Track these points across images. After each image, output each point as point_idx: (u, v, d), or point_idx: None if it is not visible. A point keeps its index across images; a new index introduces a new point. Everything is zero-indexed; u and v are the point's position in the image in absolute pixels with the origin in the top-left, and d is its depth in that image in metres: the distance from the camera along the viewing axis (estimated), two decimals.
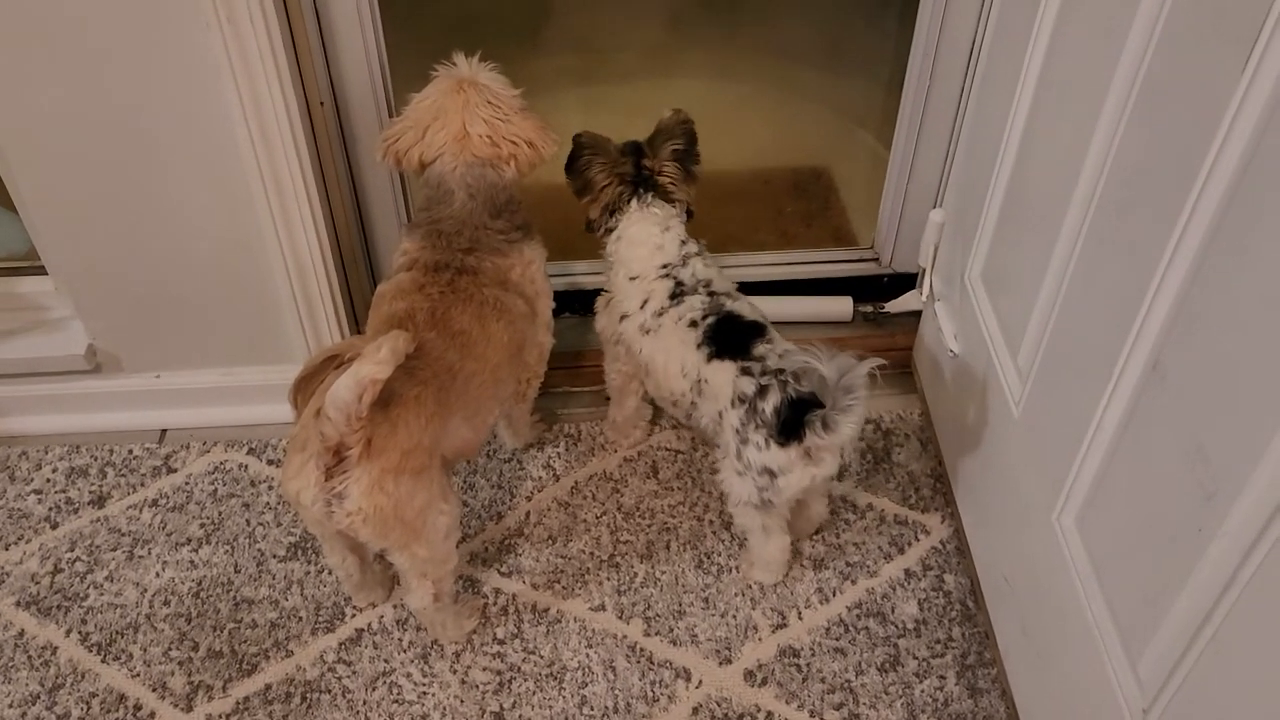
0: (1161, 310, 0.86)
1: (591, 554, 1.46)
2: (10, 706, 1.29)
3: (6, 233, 1.57)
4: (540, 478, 1.56)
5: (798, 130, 2.35)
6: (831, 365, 1.15)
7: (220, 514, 1.51)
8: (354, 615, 1.39)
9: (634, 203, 1.35)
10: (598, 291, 1.68)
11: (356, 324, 1.64)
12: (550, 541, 1.48)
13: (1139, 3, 0.90)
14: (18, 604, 1.39)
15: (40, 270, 1.56)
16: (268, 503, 1.53)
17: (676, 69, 2.35)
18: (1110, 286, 0.96)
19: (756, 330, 1.30)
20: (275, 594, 1.41)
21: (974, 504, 1.39)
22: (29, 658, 1.34)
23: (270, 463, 1.58)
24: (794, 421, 1.20)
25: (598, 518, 1.50)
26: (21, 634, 1.36)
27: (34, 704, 1.29)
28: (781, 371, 1.23)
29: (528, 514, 1.51)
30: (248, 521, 1.50)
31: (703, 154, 1.41)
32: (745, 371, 1.25)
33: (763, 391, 1.23)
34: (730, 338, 1.29)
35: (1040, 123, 1.15)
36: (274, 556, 1.46)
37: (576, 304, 1.74)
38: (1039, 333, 1.13)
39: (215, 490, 1.54)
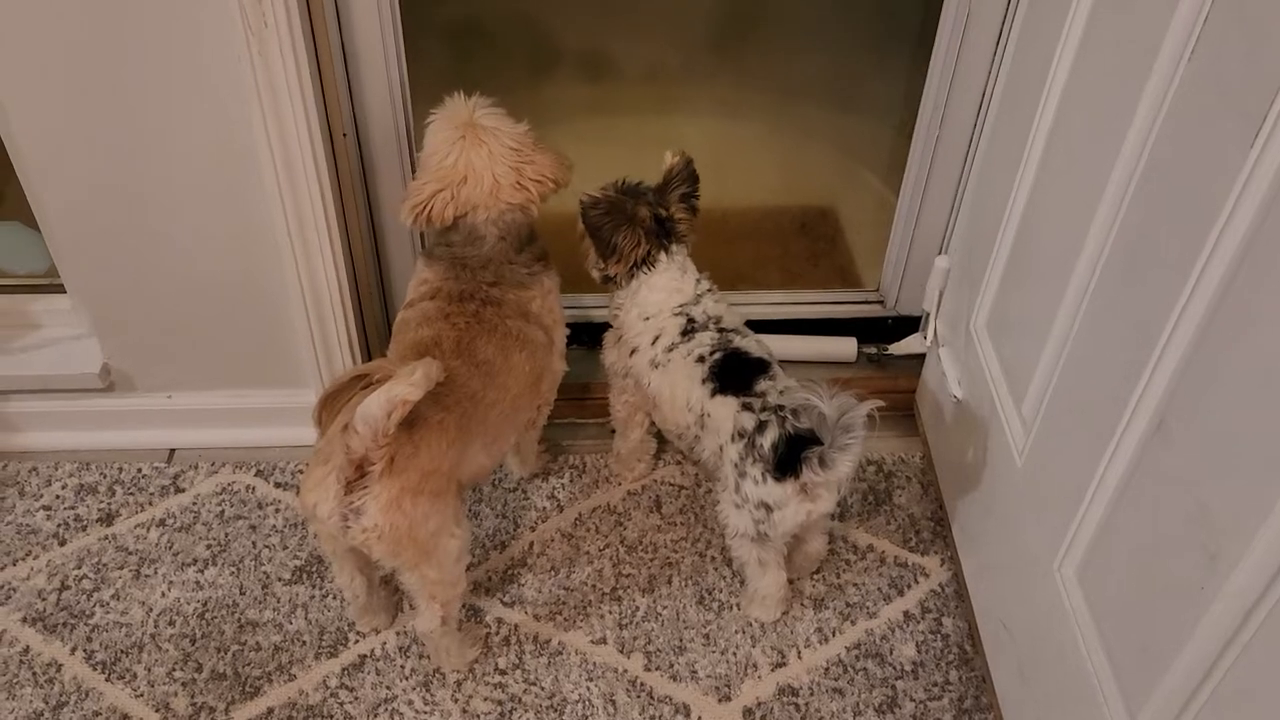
0: (1167, 370, 0.88)
1: (594, 586, 1.47)
2: None
3: (29, 251, 1.59)
4: (544, 508, 1.58)
5: (805, 170, 2.38)
6: (831, 404, 1.17)
7: (227, 535, 1.52)
8: (357, 640, 1.40)
9: (662, 256, 1.37)
10: (606, 325, 1.70)
11: (368, 351, 1.66)
12: (553, 572, 1.49)
13: (1150, 72, 0.93)
14: (24, 620, 1.40)
15: (59, 289, 1.57)
16: (274, 525, 1.54)
17: (683, 104, 2.38)
18: (1116, 344, 0.98)
19: (760, 367, 1.33)
20: (280, 617, 1.42)
21: (974, 549, 1.41)
22: (33, 674, 1.35)
23: (278, 485, 1.60)
24: (791, 457, 1.22)
25: (600, 550, 1.52)
26: (26, 650, 1.37)
27: None
28: (781, 408, 1.26)
29: (531, 544, 1.53)
30: (254, 544, 1.51)
31: (710, 192, 1.43)
32: (746, 407, 1.28)
33: (762, 427, 1.25)
34: (734, 374, 1.32)
35: (1049, 179, 1.18)
36: (279, 579, 1.47)
37: (585, 336, 1.76)
38: (1044, 384, 1.15)
39: (222, 511, 1.55)
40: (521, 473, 1.61)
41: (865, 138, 2.39)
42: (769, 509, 1.26)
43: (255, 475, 1.61)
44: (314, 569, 1.48)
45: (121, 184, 1.40)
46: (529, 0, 1.85)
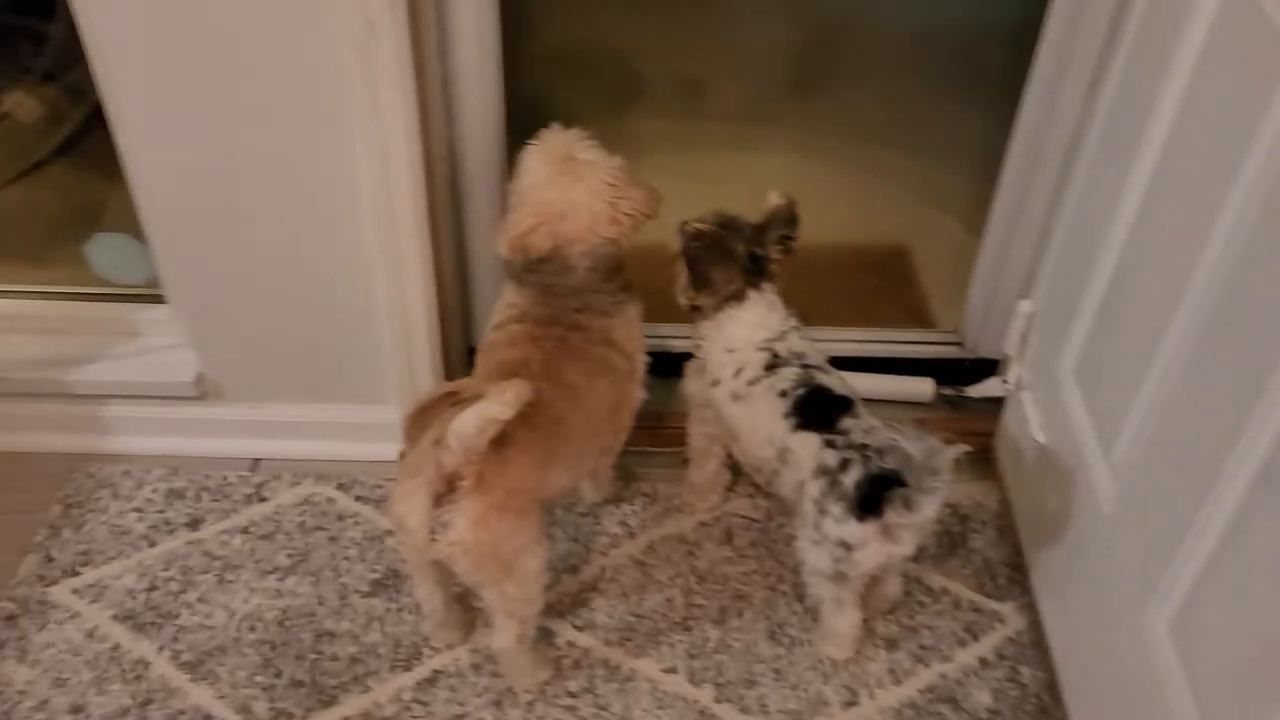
0: (1275, 420, 0.87)
1: (664, 615, 1.48)
2: (103, 717, 1.33)
3: (133, 262, 1.66)
4: (616, 534, 1.59)
5: (876, 210, 2.38)
6: (918, 445, 1.17)
7: (307, 545, 1.56)
8: (431, 656, 1.42)
9: (752, 293, 1.38)
10: (684, 355, 1.71)
11: (448, 371, 1.69)
12: (624, 598, 1.50)
13: (1265, 112, 0.92)
14: (114, 617, 1.45)
15: (159, 299, 1.63)
16: (353, 538, 1.57)
17: (759, 142, 2.40)
18: (1219, 392, 0.97)
19: (844, 404, 1.33)
20: (356, 629, 1.45)
21: (1054, 598, 1.39)
22: (122, 671, 1.39)
23: (358, 499, 1.63)
24: (874, 497, 1.22)
25: (671, 579, 1.53)
26: (116, 647, 1.41)
27: (125, 716, 1.34)
28: (866, 446, 1.26)
29: (603, 569, 1.54)
30: (333, 555, 1.54)
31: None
32: (829, 444, 1.28)
33: (845, 465, 1.26)
34: (817, 410, 1.32)
35: (1149, 225, 1.17)
36: (357, 591, 1.49)
37: (662, 366, 1.77)
38: (1136, 432, 1.14)
39: (303, 522, 1.59)
40: (594, 497, 1.62)
41: (940, 180, 2.39)
42: (849, 548, 1.26)
43: (336, 488, 1.64)
44: (391, 583, 1.51)
45: (225, 200, 1.45)
46: (621, 33, 1.89)
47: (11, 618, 1.44)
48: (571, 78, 1.94)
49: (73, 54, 2.18)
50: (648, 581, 1.52)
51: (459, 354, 1.74)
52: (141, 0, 1.27)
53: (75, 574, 1.50)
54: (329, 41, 1.29)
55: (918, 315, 2.03)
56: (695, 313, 1.44)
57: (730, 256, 1.37)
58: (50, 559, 1.52)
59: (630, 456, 1.66)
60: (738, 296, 1.38)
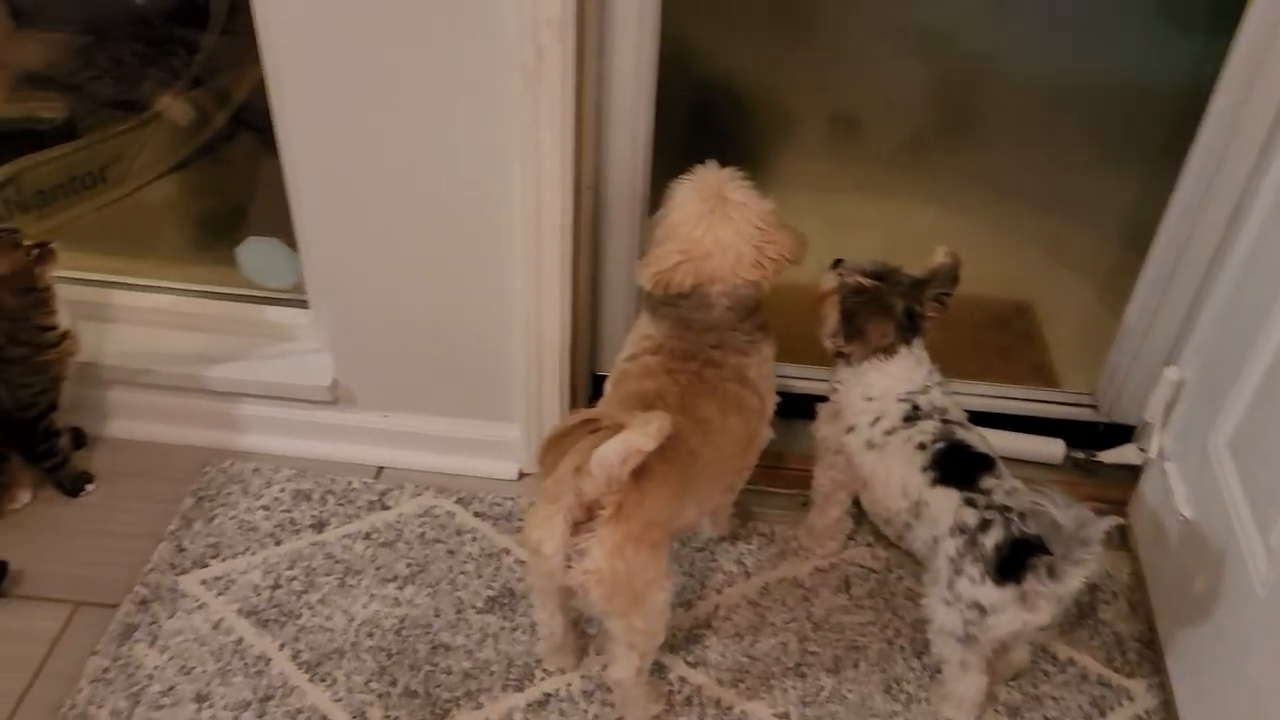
0: None
1: (778, 659, 1.46)
2: (225, 709, 1.36)
3: (281, 266, 1.71)
4: (731, 572, 1.58)
5: (1006, 265, 2.34)
6: (1068, 514, 1.14)
7: (426, 557, 1.58)
8: (543, 679, 1.42)
9: (903, 348, 1.37)
10: (808, 396, 1.70)
11: (574, 396, 1.70)
12: (737, 638, 1.48)
13: None
14: (239, 611, 1.48)
15: (302, 303, 1.68)
16: (470, 553, 1.59)
17: (896, 187, 2.38)
18: None
19: (985, 463, 1.31)
20: (471, 644, 1.46)
21: (1191, 680, 1.33)
22: (245, 664, 1.42)
23: (477, 514, 1.65)
24: (1014, 561, 1.20)
25: (786, 623, 1.51)
26: (240, 641, 1.45)
27: (245, 710, 1.37)
28: (1008, 509, 1.23)
29: (716, 606, 1.53)
30: (450, 568, 1.56)
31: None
32: (969, 502, 1.26)
33: (985, 525, 1.23)
34: (957, 466, 1.30)
35: None
36: (472, 607, 1.51)
37: (783, 406, 1.76)
38: None
39: (423, 533, 1.61)
40: (712, 533, 1.61)
41: (1076, 241, 2.34)
42: (983, 611, 1.22)
43: (456, 502, 1.67)
44: (506, 601, 1.52)
45: (378, 214, 1.49)
46: (772, 69, 1.90)
47: (144, 602, 1.49)
48: (718, 111, 1.95)
49: (219, 61, 2.29)
50: (762, 623, 1.50)
51: (584, 379, 1.75)
52: (319, 22, 1.32)
53: (204, 565, 1.54)
54: (497, 66, 1.32)
55: (1043, 374, 1.99)
56: (837, 358, 1.43)
57: (887, 311, 1.36)
58: (181, 549, 1.57)
59: (748, 494, 1.65)
60: (889, 350, 1.36)
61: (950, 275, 1.38)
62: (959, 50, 2.00)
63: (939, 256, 1.38)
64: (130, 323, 1.74)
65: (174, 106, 2.32)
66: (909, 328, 1.38)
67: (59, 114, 2.18)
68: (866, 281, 1.38)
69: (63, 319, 1.54)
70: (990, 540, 1.21)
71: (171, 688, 1.39)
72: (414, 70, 1.34)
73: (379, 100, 1.38)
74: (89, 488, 1.65)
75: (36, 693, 1.38)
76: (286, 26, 1.34)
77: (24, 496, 1.62)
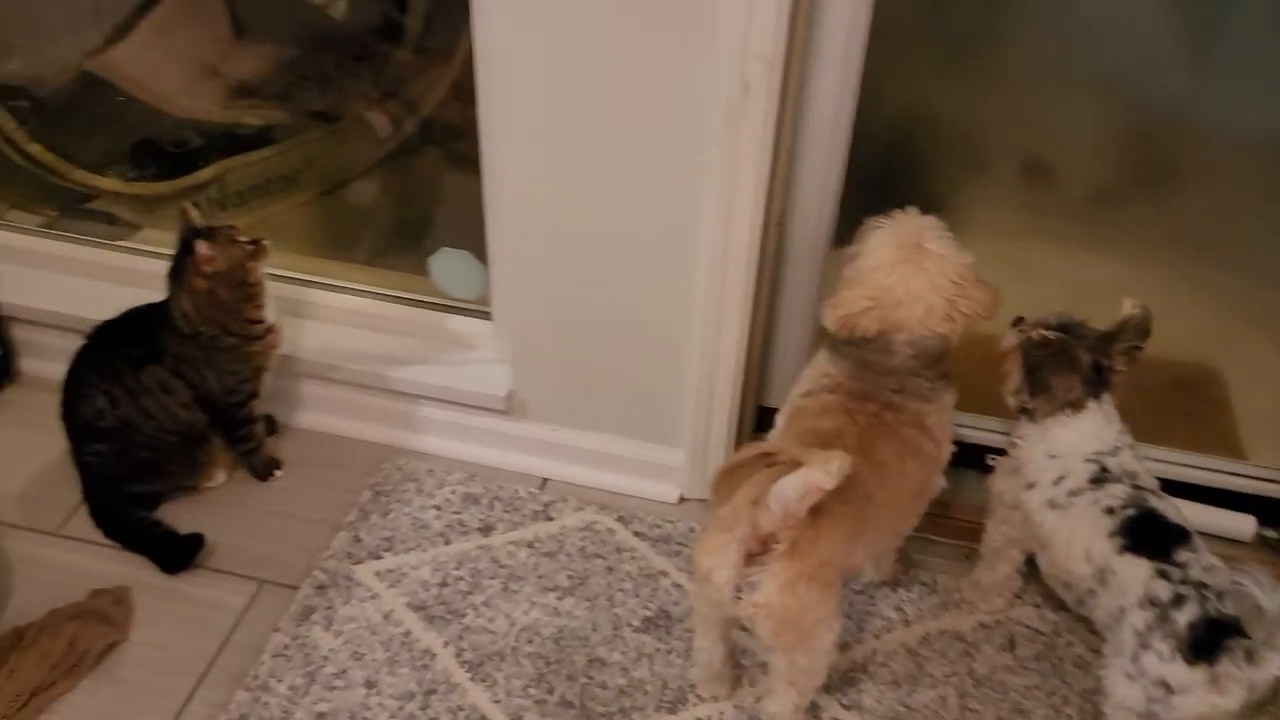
0: None
1: (936, 713, 1.43)
2: (391, 697, 1.42)
3: (469, 277, 1.78)
4: (890, 618, 1.55)
5: (1192, 324, 2.23)
6: (1274, 598, 1.08)
7: (585, 571, 1.61)
8: (696, 704, 1.43)
9: (1091, 403, 1.33)
10: (979, 447, 1.66)
11: (741, 426, 1.71)
12: (894, 686, 1.46)
13: None
14: (409, 605, 1.54)
15: (486, 315, 1.75)
16: (629, 572, 1.61)
17: (1081, 238, 2.31)
18: None
19: (1180, 535, 1.25)
20: (626, 661, 1.48)
21: None
22: (411, 657, 1.48)
23: (636, 534, 1.67)
24: (1209, 642, 1.14)
25: (946, 676, 1.47)
26: (408, 633, 1.51)
27: (410, 700, 1.42)
28: (1205, 586, 1.18)
29: (874, 651, 1.50)
30: (609, 585, 1.59)
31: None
32: (1162, 574, 1.21)
33: (1179, 600, 1.18)
34: (1149, 535, 1.25)
35: None
36: (629, 625, 1.53)
37: (954, 456, 1.72)
38: None
39: (584, 547, 1.65)
40: (874, 577, 1.59)
41: (1272, 305, 2.22)
42: (1169, 690, 1.17)
43: (616, 520, 1.69)
44: (662, 623, 1.53)
45: (569, 234, 1.54)
46: (968, 112, 1.88)
47: (322, 587, 1.57)
48: (907, 150, 1.94)
49: (410, 76, 2.41)
50: (920, 674, 1.47)
51: (751, 410, 1.76)
52: (531, 45, 1.38)
53: (378, 557, 1.62)
54: (702, 98, 1.35)
55: (1229, 443, 1.89)
56: (1021, 414, 1.39)
57: (1073, 364, 1.32)
58: (358, 539, 1.64)
59: (912, 542, 1.62)
60: (1076, 405, 1.32)
61: (1140, 328, 1.33)
62: (1155, 97, 1.93)
63: (1127, 308, 1.33)
64: (325, 321, 1.84)
65: (370, 117, 2.45)
66: (1097, 382, 1.34)
67: (262, 120, 2.33)
68: (1050, 334, 1.34)
69: (269, 313, 1.64)
70: (1184, 617, 1.16)
71: (344, 671, 1.46)
72: (619, 96, 1.38)
73: (581, 123, 1.42)
74: (278, 473, 1.75)
75: (224, 660, 1.47)
76: (500, 48, 1.40)
77: (220, 476, 1.73)
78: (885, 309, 1.30)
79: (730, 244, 1.45)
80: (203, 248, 1.51)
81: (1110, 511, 1.27)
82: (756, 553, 1.17)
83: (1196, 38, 1.83)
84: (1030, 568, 1.50)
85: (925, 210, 1.36)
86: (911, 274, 1.29)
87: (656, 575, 1.60)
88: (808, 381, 1.42)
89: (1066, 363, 1.32)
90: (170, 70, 2.33)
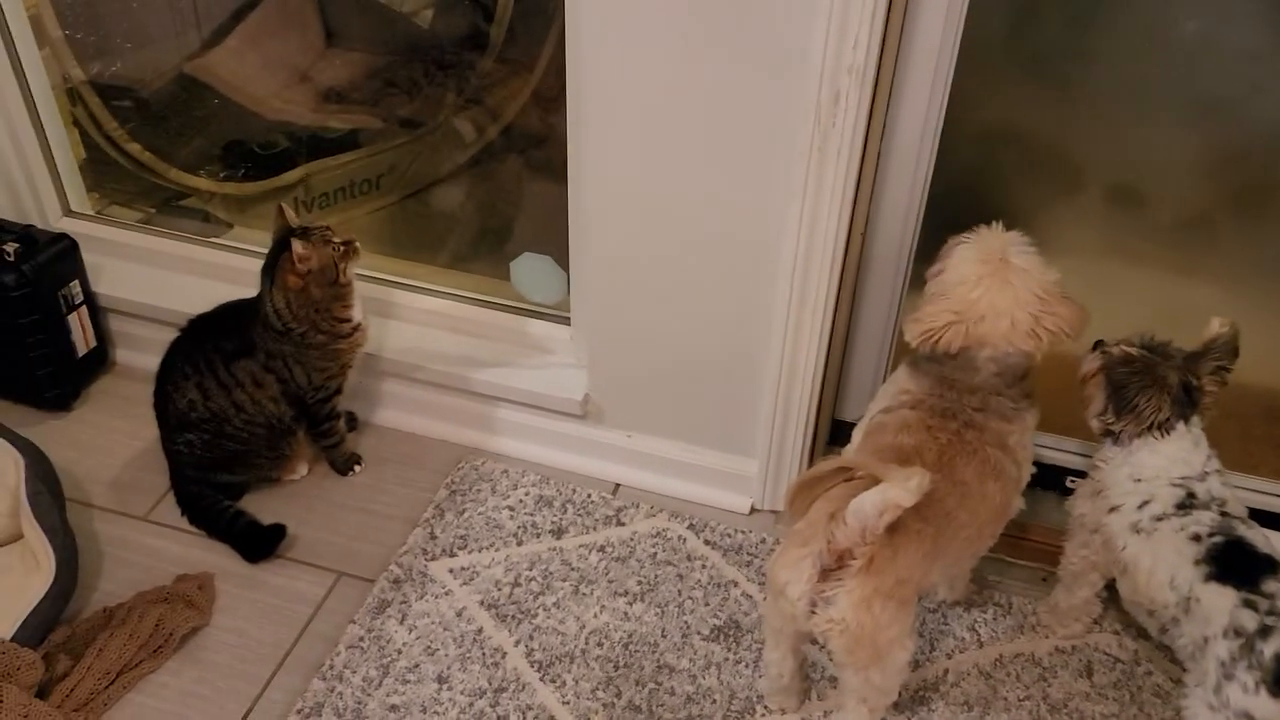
0: None
1: None
2: (462, 693, 1.44)
3: (549, 283, 1.80)
4: (964, 639, 1.53)
5: None
6: None
7: (656, 577, 1.62)
8: (764, 715, 1.43)
9: (1180, 425, 1.30)
10: (1057, 468, 1.63)
11: (816, 439, 1.71)
12: (966, 708, 1.44)
13: None
14: (481, 603, 1.57)
15: (565, 320, 1.77)
16: (699, 580, 1.61)
17: (1166, 261, 2.26)
18: None
19: (1269, 564, 1.22)
20: (694, 669, 1.48)
21: None
22: (483, 654, 1.50)
23: (707, 543, 1.67)
24: None
25: (1020, 700, 1.45)
26: (480, 631, 1.53)
27: (480, 698, 1.44)
28: None
29: (945, 671, 1.49)
30: (679, 592, 1.59)
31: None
32: (1248, 604, 1.18)
33: (1265, 631, 1.15)
34: (1237, 564, 1.22)
35: None
36: (698, 633, 1.53)
37: (1032, 477, 1.70)
38: None
39: (655, 554, 1.65)
40: (948, 597, 1.57)
41: None
42: None
43: (687, 528, 1.70)
44: (731, 633, 1.53)
45: (651, 240, 1.55)
46: (1060, 131, 1.85)
47: (397, 582, 1.60)
48: (995, 167, 1.92)
49: (493, 84, 2.44)
50: (993, 697, 1.45)
51: (826, 423, 1.75)
52: (627, 55, 1.40)
53: (453, 555, 1.64)
54: (792, 107, 1.35)
55: None
56: (1105, 436, 1.37)
57: (1161, 384, 1.29)
58: (434, 536, 1.67)
59: (987, 562, 1.60)
60: (1164, 427, 1.29)
61: (1228, 347, 1.30)
62: (1252, 119, 1.88)
63: (1214, 327, 1.31)
64: (407, 321, 1.88)
65: (454, 123, 2.50)
66: (1186, 403, 1.31)
67: (349, 125, 2.39)
68: (1135, 351, 1.31)
69: (356, 312, 1.68)
70: (1270, 649, 1.13)
71: (416, 665, 1.48)
72: (709, 104, 1.39)
73: (670, 131, 1.43)
74: (357, 468, 1.79)
75: (301, 649, 1.50)
76: (590, 56, 1.42)
77: (302, 469, 1.77)
78: (969, 323, 1.28)
79: (812, 254, 1.45)
80: (298, 246, 1.55)
81: (1196, 538, 1.24)
82: (832, 568, 1.16)
83: None
84: (1110, 594, 1.47)
85: (1012, 223, 1.35)
86: (996, 288, 1.28)
87: (727, 585, 1.61)
88: (887, 397, 1.41)
89: (1153, 382, 1.30)
90: (263, 75, 2.40)
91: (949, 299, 1.30)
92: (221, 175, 2.26)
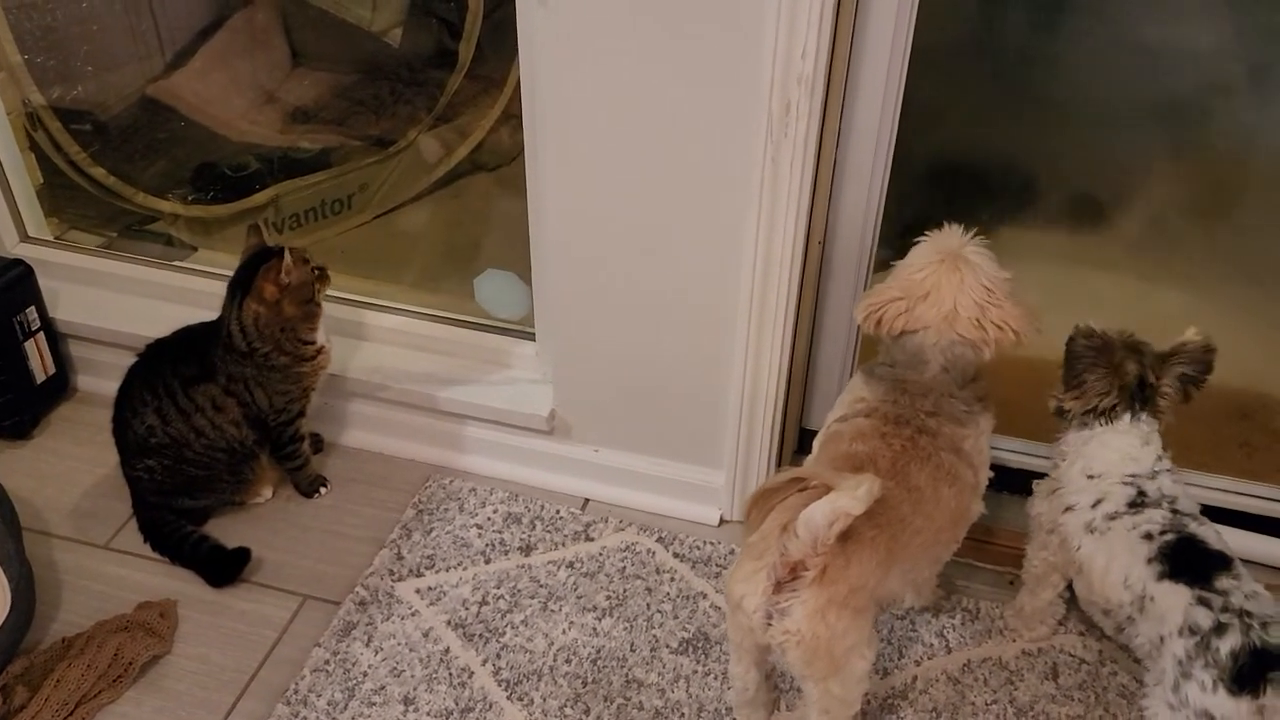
0: None
1: None
2: (428, 714, 1.44)
3: (512, 298, 1.81)
4: (932, 645, 1.53)
5: (1253, 354, 2.19)
6: None
7: (625, 591, 1.61)
8: None
9: (1127, 416, 1.31)
10: (1023, 472, 1.64)
11: (782, 449, 1.71)
12: (934, 714, 1.44)
13: None
14: (448, 623, 1.56)
15: (529, 335, 1.77)
16: (668, 593, 1.61)
17: (1134, 267, 2.27)
18: None
19: (1221, 561, 1.23)
20: (663, 683, 1.48)
21: None
22: (450, 674, 1.49)
23: (676, 555, 1.67)
24: (1252, 672, 1.12)
25: (987, 704, 1.45)
26: (447, 651, 1.52)
27: (447, 718, 1.43)
28: (1248, 614, 1.15)
29: (914, 678, 1.49)
30: (648, 605, 1.59)
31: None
32: (1202, 601, 1.18)
33: (1220, 629, 1.15)
34: (1190, 561, 1.23)
35: None
36: (667, 646, 1.53)
37: (997, 481, 1.70)
38: None
39: (624, 568, 1.65)
40: (914, 603, 1.57)
41: None
42: None
43: (656, 541, 1.70)
44: (700, 645, 1.53)
45: (611, 255, 1.55)
46: (1017, 139, 1.87)
47: (363, 603, 1.59)
48: (953, 177, 1.93)
49: (461, 102, 2.44)
50: (961, 702, 1.45)
51: (793, 433, 1.76)
52: (581, 71, 1.40)
53: (420, 575, 1.64)
54: (743, 118, 1.36)
55: None
56: (1059, 417, 1.37)
57: (1116, 369, 1.30)
58: (400, 557, 1.66)
59: (954, 567, 1.61)
60: (1107, 414, 1.30)
61: (1197, 357, 1.31)
62: (1212, 125, 1.91)
63: (1189, 335, 1.31)
64: (371, 340, 1.88)
65: (423, 142, 2.50)
66: (1138, 397, 1.31)
67: (318, 145, 2.38)
68: (1100, 329, 1.32)
69: (320, 335, 1.67)
70: (1226, 646, 1.14)
71: (382, 687, 1.47)
72: (662, 118, 1.40)
73: (624, 145, 1.44)
74: (323, 490, 1.78)
75: (265, 674, 1.49)
76: (545, 74, 1.42)
77: (266, 492, 1.76)
78: (912, 301, 1.30)
79: (770, 264, 1.46)
80: (288, 256, 1.55)
81: (1149, 537, 1.25)
82: (786, 580, 1.16)
83: (1257, 64, 1.81)
84: (1073, 595, 1.47)
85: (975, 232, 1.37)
86: (944, 274, 1.30)
87: (696, 597, 1.60)
88: (843, 406, 1.41)
89: (1108, 363, 1.31)
90: (229, 95, 2.39)
91: (898, 281, 1.34)
92: (189, 198, 2.25)
